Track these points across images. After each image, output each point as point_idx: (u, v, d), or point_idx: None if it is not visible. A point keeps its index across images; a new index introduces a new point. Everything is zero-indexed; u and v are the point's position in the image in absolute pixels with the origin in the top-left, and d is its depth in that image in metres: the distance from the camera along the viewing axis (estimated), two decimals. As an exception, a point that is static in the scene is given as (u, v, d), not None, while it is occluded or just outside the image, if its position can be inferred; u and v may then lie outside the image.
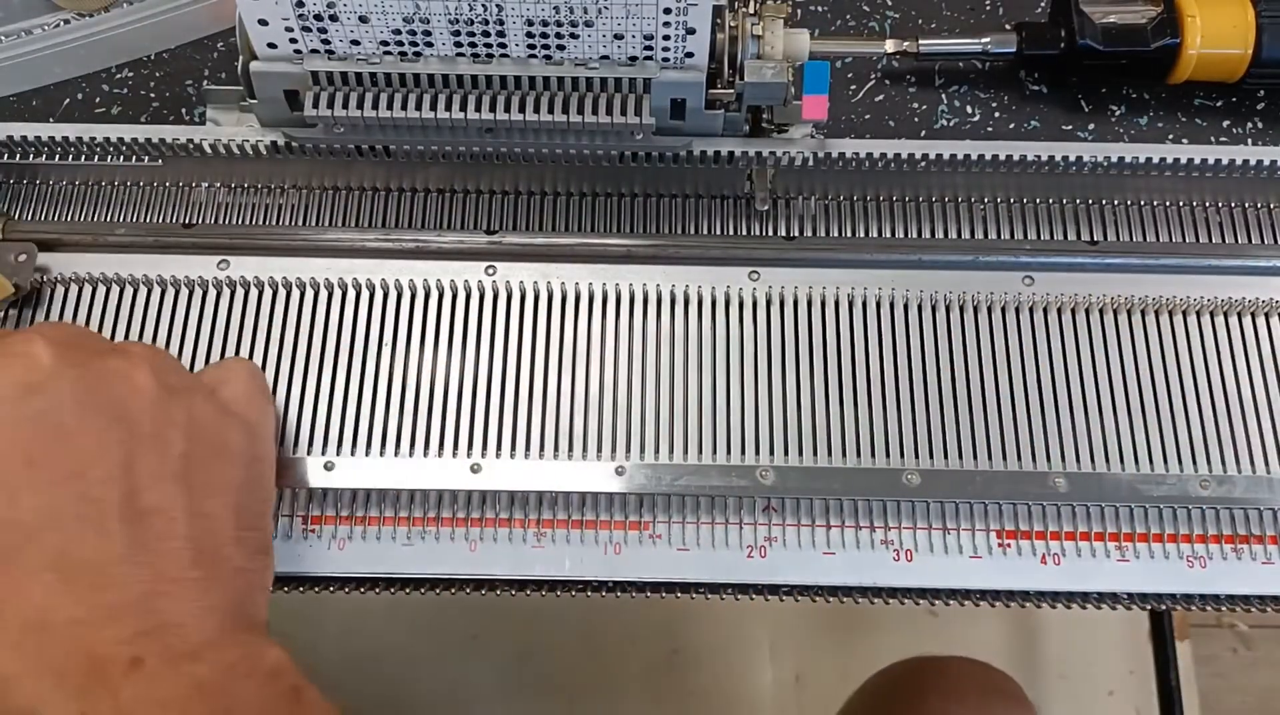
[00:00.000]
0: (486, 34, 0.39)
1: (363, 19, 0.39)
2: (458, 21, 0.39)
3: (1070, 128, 0.50)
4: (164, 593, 0.31)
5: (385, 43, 0.40)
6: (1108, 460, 0.41)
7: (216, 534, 0.33)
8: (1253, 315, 0.44)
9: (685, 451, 0.41)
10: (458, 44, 0.40)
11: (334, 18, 0.39)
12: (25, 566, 0.30)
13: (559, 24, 0.39)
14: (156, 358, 0.35)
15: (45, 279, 0.43)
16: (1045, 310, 0.44)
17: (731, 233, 0.45)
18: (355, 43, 0.40)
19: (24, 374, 0.32)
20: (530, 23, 0.39)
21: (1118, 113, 0.50)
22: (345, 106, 0.41)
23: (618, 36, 0.39)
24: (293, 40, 0.40)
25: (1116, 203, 0.46)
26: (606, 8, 0.38)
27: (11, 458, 0.30)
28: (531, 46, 0.40)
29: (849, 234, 0.45)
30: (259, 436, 0.37)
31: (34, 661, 0.29)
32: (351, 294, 0.43)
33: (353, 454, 0.41)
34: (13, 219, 0.44)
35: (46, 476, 0.30)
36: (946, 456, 0.41)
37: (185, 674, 0.30)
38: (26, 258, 0.43)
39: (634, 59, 0.40)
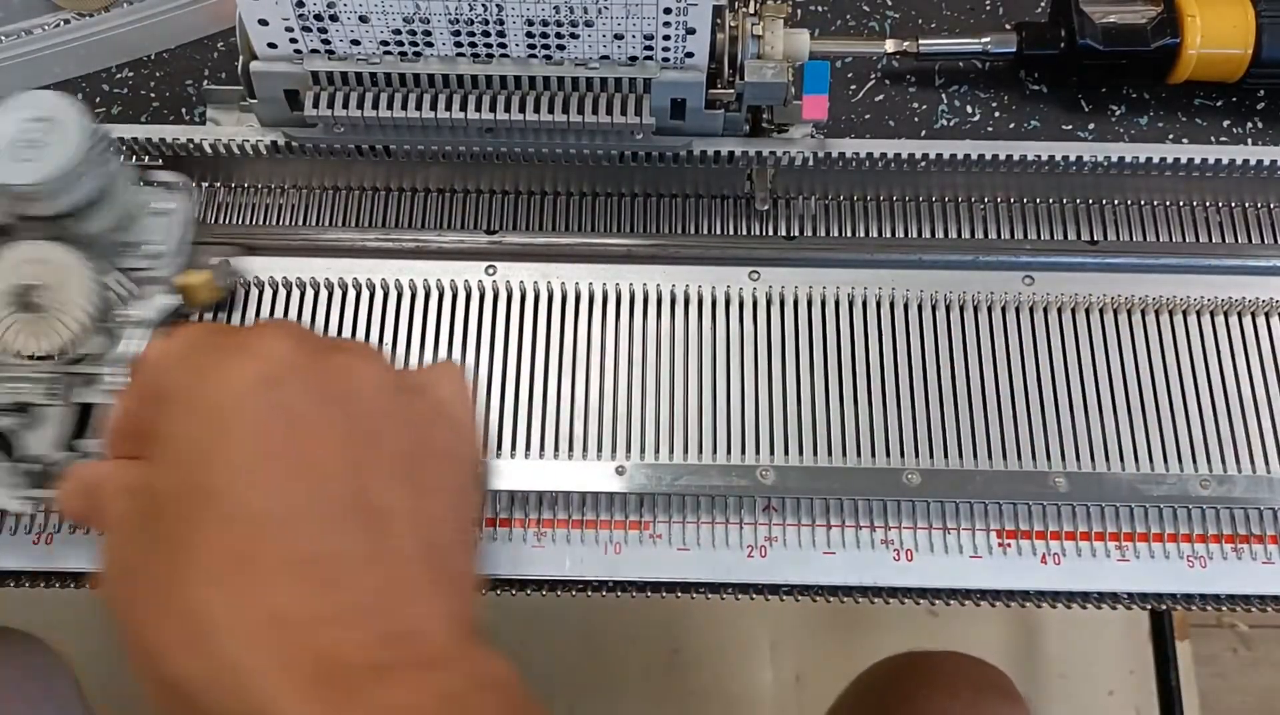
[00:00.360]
0: (486, 34, 0.39)
1: (363, 19, 0.39)
2: (458, 21, 0.39)
3: (1070, 128, 0.50)
4: (402, 596, 0.30)
5: (385, 42, 0.40)
6: (1108, 460, 0.41)
7: (442, 536, 0.32)
8: (1253, 315, 0.44)
9: (685, 451, 0.41)
10: (458, 44, 0.40)
11: (334, 18, 0.39)
12: (265, 560, 0.28)
13: (559, 24, 0.39)
14: (381, 356, 0.35)
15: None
16: (1045, 310, 0.44)
17: (731, 233, 0.45)
18: (355, 42, 0.40)
19: (264, 367, 0.30)
20: (530, 22, 0.39)
21: (1118, 113, 0.50)
22: (345, 106, 0.41)
23: (618, 36, 0.39)
24: (293, 40, 0.40)
25: (1116, 203, 0.46)
26: (606, 8, 0.38)
27: (252, 451, 0.29)
28: (531, 46, 0.40)
29: (849, 234, 0.45)
30: (471, 439, 0.36)
31: (272, 658, 0.27)
32: (351, 294, 0.43)
33: (353, 454, 0.41)
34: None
35: (284, 470, 0.29)
36: (946, 456, 0.41)
37: (431, 684, 0.28)
38: (228, 262, 0.43)
39: (634, 59, 0.40)
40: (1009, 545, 0.40)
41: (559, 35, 0.39)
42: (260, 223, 0.45)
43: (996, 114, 0.50)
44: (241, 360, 0.31)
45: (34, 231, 0.39)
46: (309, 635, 0.28)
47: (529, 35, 0.39)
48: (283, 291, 0.43)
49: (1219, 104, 0.50)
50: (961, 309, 0.44)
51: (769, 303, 0.44)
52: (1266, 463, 0.41)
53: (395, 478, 0.31)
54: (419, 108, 0.41)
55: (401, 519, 0.31)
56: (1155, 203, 0.46)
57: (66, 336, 0.38)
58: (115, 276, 0.40)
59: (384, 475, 0.31)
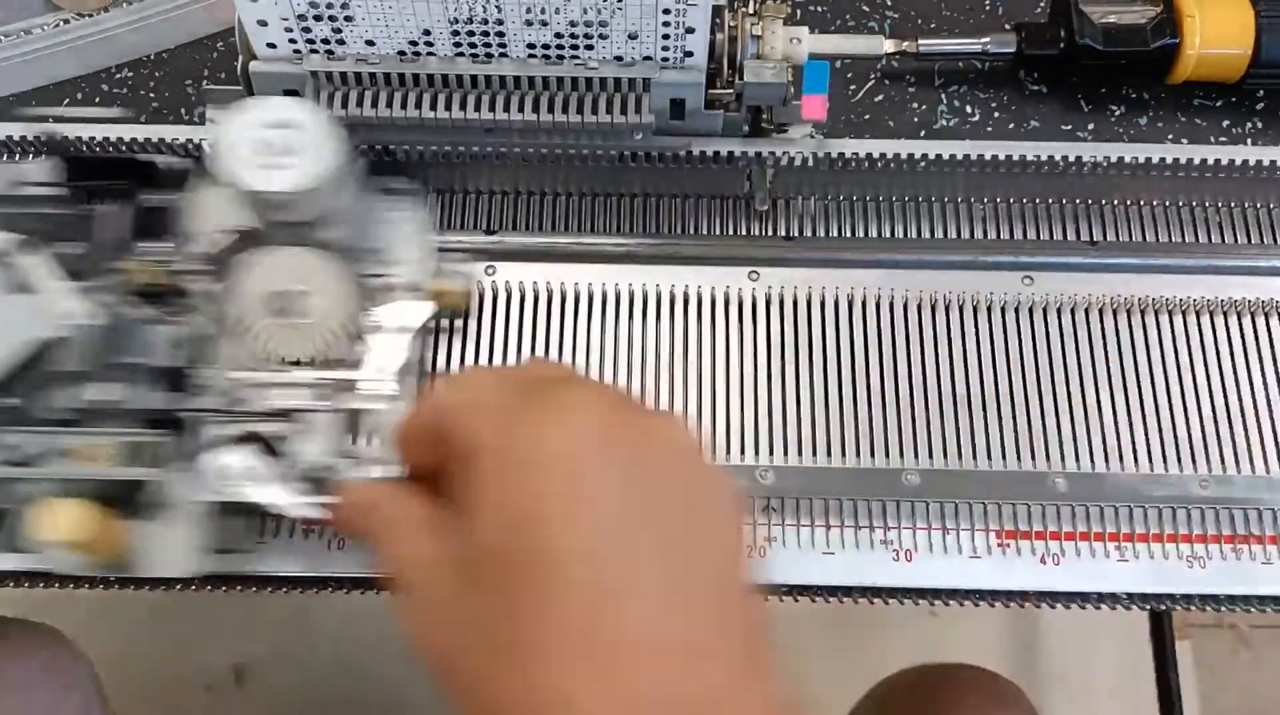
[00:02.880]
0: (486, 34, 0.39)
1: (349, 18, 0.39)
2: (457, 22, 0.39)
3: (1070, 128, 0.50)
4: (749, 684, 0.28)
5: (373, 41, 0.40)
6: (1108, 460, 0.41)
7: (757, 616, 0.29)
8: (1253, 315, 0.44)
9: (685, 451, 0.41)
10: (457, 44, 0.40)
11: (333, 18, 0.39)
12: (624, 638, 0.26)
13: (559, 35, 0.39)
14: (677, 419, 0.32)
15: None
16: (1045, 310, 0.44)
17: (731, 233, 0.45)
18: (370, 43, 0.40)
19: (592, 425, 0.28)
20: (530, 23, 0.39)
21: (1118, 113, 0.50)
22: (345, 106, 0.41)
23: (632, 36, 0.39)
24: (292, 40, 0.40)
25: (1116, 203, 0.46)
26: (617, 10, 0.38)
27: (595, 517, 0.27)
28: (531, 46, 0.40)
29: (849, 234, 0.45)
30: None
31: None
32: (351, 294, 0.43)
33: (352, 454, 0.41)
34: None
35: (630, 540, 0.27)
36: (946, 457, 0.41)
37: None
38: (467, 269, 0.43)
39: (633, 59, 0.40)
40: (1009, 545, 0.40)
41: (559, 36, 0.39)
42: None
43: (996, 114, 0.50)
44: (564, 416, 0.28)
45: (279, 238, 0.39)
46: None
47: (529, 37, 0.39)
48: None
49: (1219, 104, 0.50)
50: (961, 309, 0.44)
51: (768, 303, 0.43)
52: (1266, 463, 0.41)
53: (723, 552, 0.29)
54: (419, 108, 0.41)
55: (736, 598, 0.29)
56: (1155, 203, 0.46)
57: (324, 343, 0.39)
58: (360, 282, 0.40)
59: (713, 549, 0.29)
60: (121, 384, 0.38)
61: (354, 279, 0.40)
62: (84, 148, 0.44)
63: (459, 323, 0.43)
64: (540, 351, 0.43)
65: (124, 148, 0.43)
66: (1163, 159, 0.44)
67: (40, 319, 0.40)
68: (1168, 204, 0.46)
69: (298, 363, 0.39)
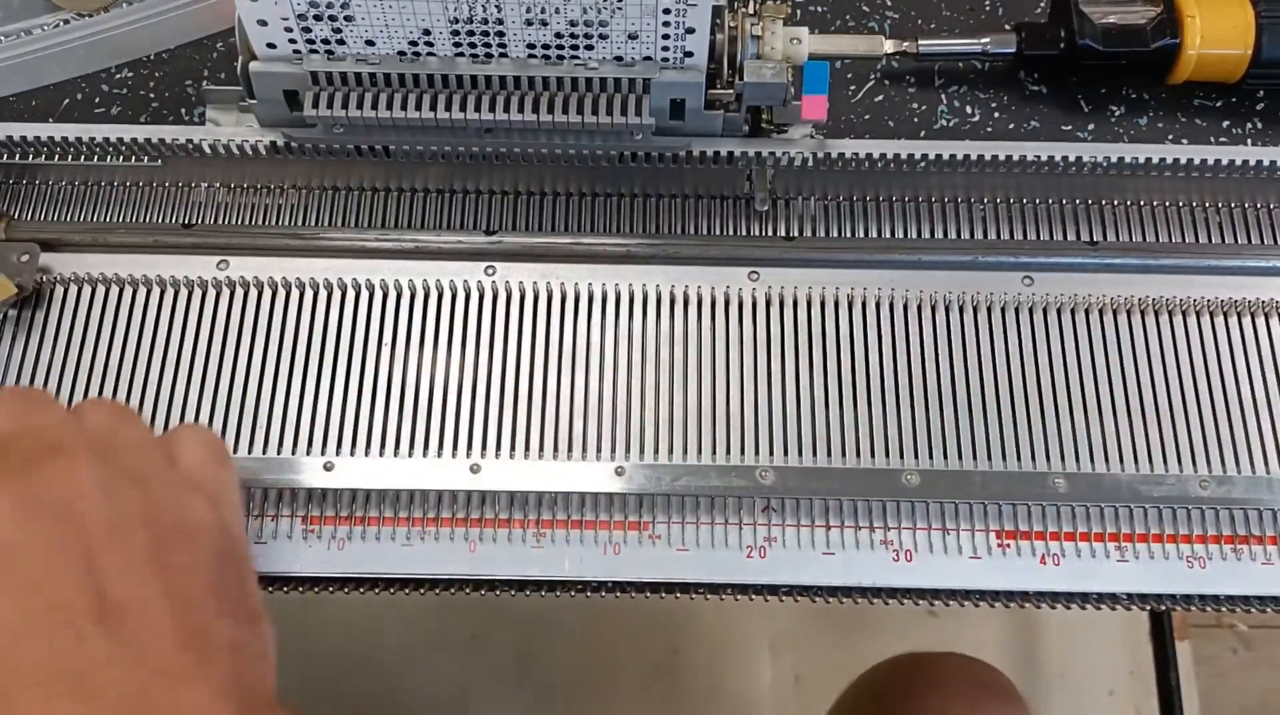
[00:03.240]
0: (486, 34, 0.39)
1: (349, 18, 0.39)
2: (457, 21, 0.39)
3: (1070, 128, 0.50)
4: (157, 688, 0.29)
5: (373, 41, 0.40)
6: (1108, 460, 0.41)
7: (199, 612, 0.31)
8: (1253, 315, 0.44)
9: (685, 452, 0.41)
10: (457, 44, 0.40)
11: (333, 18, 0.39)
12: (4, 689, 0.28)
13: (559, 35, 0.39)
14: (109, 437, 0.33)
15: (46, 279, 0.43)
16: (1045, 310, 0.44)
17: (731, 233, 0.45)
18: (370, 43, 0.40)
19: None
20: (530, 24, 0.39)
21: (1118, 113, 0.50)
22: (345, 106, 0.41)
23: (632, 37, 0.39)
24: (292, 40, 0.40)
25: (1116, 203, 0.46)
26: (617, 10, 0.38)
27: None
28: (531, 46, 0.40)
29: (849, 234, 0.45)
30: (223, 504, 0.35)
31: None
32: (351, 294, 0.43)
33: (352, 454, 0.41)
34: (14, 219, 0.44)
35: (4, 595, 0.29)
36: (946, 457, 0.41)
37: None
38: (29, 258, 0.43)
39: (633, 59, 0.40)
40: (1009, 546, 0.40)
41: (559, 37, 0.39)
42: (260, 223, 0.45)
43: (996, 114, 0.50)
44: None
45: None
46: None
47: (544, 47, 0.39)
48: (270, 292, 0.43)
49: (1219, 104, 0.50)
50: (961, 309, 0.44)
51: (768, 303, 0.43)
52: (1266, 463, 0.41)
53: (133, 569, 0.30)
54: (418, 108, 0.41)
55: (148, 606, 0.30)
56: (1155, 203, 0.46)
57: None
58: None
59: (120, 570, 0.30)
60: None
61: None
62: (84, 148, 0.44)
63: (458, 324, 0.43)
64: (540, 352, 0.42)
65: (124, 147, 0.43)
66: (1163, 159, 0.44)
67: None
68: (1168, 204, 0.46)
69: None
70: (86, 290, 0.43)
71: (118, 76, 0.50)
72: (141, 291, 0.43)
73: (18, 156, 0.44)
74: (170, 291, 0.43)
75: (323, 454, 0.40)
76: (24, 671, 0.28)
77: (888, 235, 0.45)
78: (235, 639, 0.32)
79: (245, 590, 0.34)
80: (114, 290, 0.43)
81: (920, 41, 0.48)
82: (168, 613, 0.30)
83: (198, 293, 0.43)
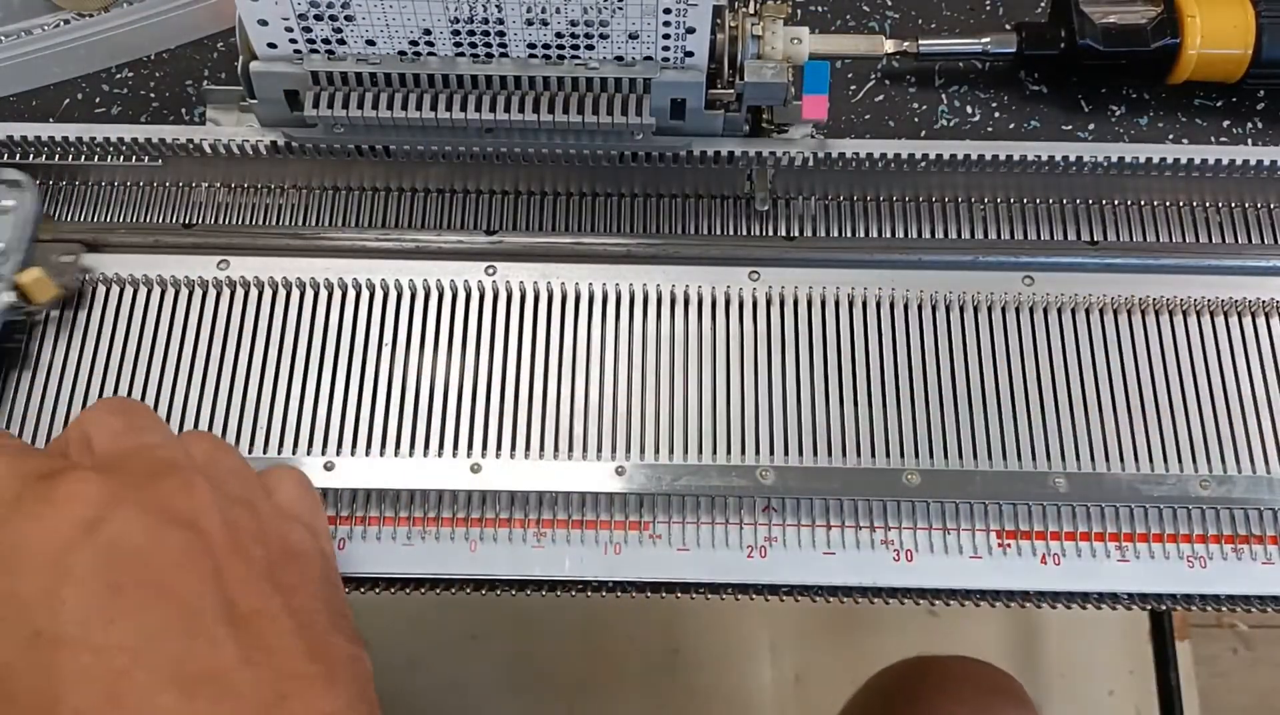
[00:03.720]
0: (486, 34, 0.39)
1: (349, 18, 0.39)
2: (458, 21, 0.39)
3: (1070, 128, 0.50)
4: (293, 693, 0.29)
5: (373, 41, 0.40)
6: (1108, 460, 0.41)
7: (318, 628, 0.32)
8: (1253, 315, 0.44)
9: (685, 451, 0.41)
10: (457, 44, 0.40)
11: (334, 18, 0.39)
12: (139, 688, 0.28)
13: (559, 35, 0.39)
14: (213, 465, 0.34)
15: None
16: (1045, 310, 0.44)
17: (731, 233, 0.45)
18: (371, 43, 0.40)
19: (81, 511, 0.30)
20: (530, 23, 0.39)
21: (1118, 113, 0.50)
22: (345, 106, 0.41)
23: (632, 36, 0.39)
24: (292, 40, 0.40)
25: (1116, 203, 0.46)
26: (617, 10, 0.38)
27: (95, 590, 0.29)
28: (531, 46, 0.40)
29: (849, 234, 0.45)
30: (320, 534, 0.36)
31: None
32: (351, 294, 0.43)
33: (353, 454, 0.41)
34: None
35: (137, 598, 0.29)
36: (946, 456, 0.41)
37: None
38: (73, 258, 0.43)
39: (633, 59, 0.40)
40: (1009, 545, 0.40)
41: (559, 36, 0.39)
42: (260, 223, 0.45)
43: (996, 114, 0.50)
44: (52, 510, 0.30)
45: None
46: None
47: (544, 47, 0.39)
48: (278, 292, 0.43)
49: (1219, 104, 0.50)
50: (961, 309, 0.44)
51: (769, 303, 0.43)
52: (1266, 463, 0.41)
53: (256, 581, 0.31)
54: (419, 108, 0.41)
55: (274, 617, 0.31)
56: (1155, 203, 0.46)
57: None
58: None
59: (244, 580, 0.31)
60: None
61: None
62: (84, 148, 0.44)
63: (459, 324, 0.43)
64: (540, 352, 0.42)
65: (124, 147, 0.43)
66: (1163, 159, 0.44)
67: None
68: (1168, 204, 0.46)
69: None
70: (88, 290, 0.43)
71: (118, 76, 0.50)
72: (142, 291, 0.43)
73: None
74: (171, 291, 0.43)
75: (323, 453, 0.40)
76: (161, 671, 0.28)
77: (888, 235, 0.45)
78: (352, 654, 0.32)
79: (347, 615, 0.34)
80: (114, 289, 0.43)
81: (920, 41, 0.48)
82: (292, 625, 0.31)
83: (198, 292, 0.43)
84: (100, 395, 0.42)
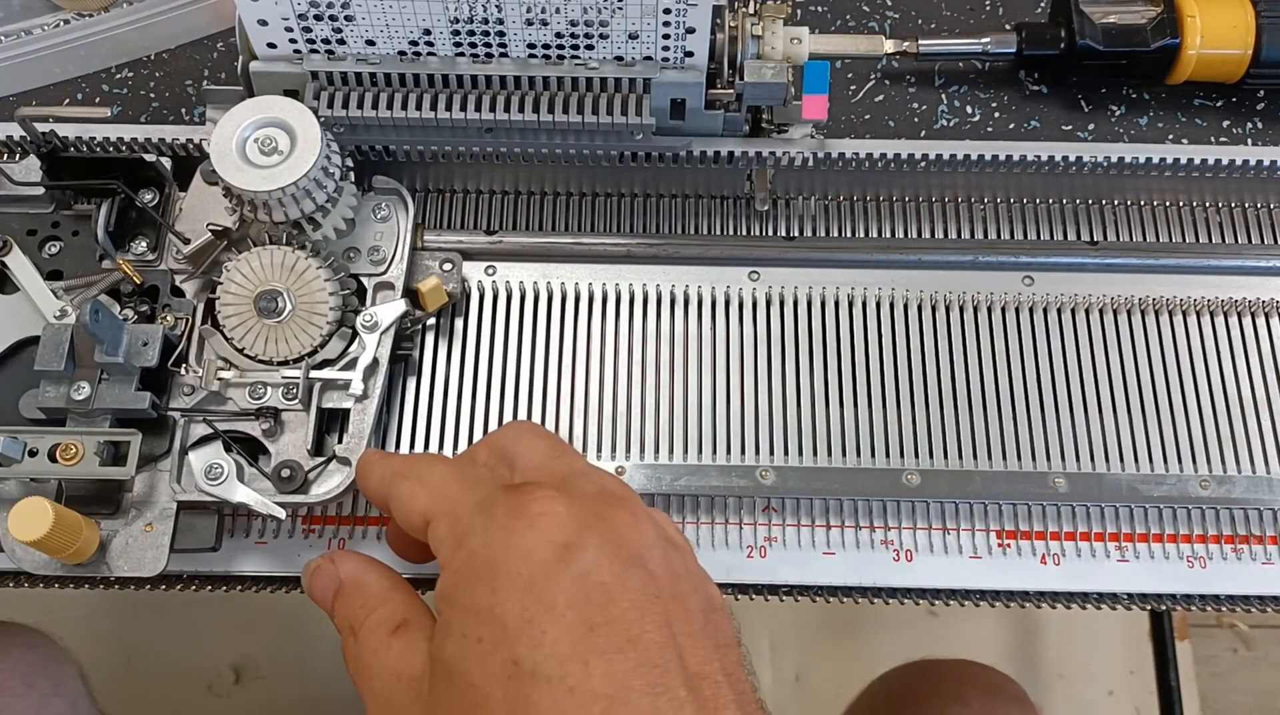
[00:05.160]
0: (486, 34, 0.39)
1: (349, 18, 0.39)
2: (458, 21, 0.39)
3: (1070, 128, 0.50)
4: None
5: (373, 41, 0.40)
6: (1108, 460, 0.41)
7: (747, 694, 0.30)
8: (1253, 315, 0.44)
9: (685, 451, 0.41)
10: (457, 44, 0.40)
11: (333, 18, 0.39)
12: None
13: (559, 35, 0.39)
14: (644, 506, 0.32)
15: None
16: (1045, 310, 0.44)
17: (731, 233, 0.45)
18: (370, 43, 0.40)
19: (557, 535, 0.29)
20: (530, 23, 0.39)
21: (1118, 113, 0.50)
22: (345, 106, 0.41)
23: (632, 36, 0.39)
24: (292, 40, 0.40)
25: (1116, 203, 0.46)
26: (617, 10, 0.38)
27: (574, 626, 0.27)
28: (531, 46, 0.40)
29: (849, 234, 0.45)
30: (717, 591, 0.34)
31: None
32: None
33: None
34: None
35: (607, 643, 0.28)
36: (946, 456, 0.41)
37: None
38: (453, 267, 0.43)
39: (633, 59, 0.40)
40: (1009, 545, 0.40)
41: (559, 37, 0.39)
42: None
43: (996, 114, 0.50)
44: (528, 528, 0.29)
45: (263, 237, 0.39)
46: None
47: (544, 47, 0.39)
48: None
49: (1219, 104, 0.50)
50: (961, 309, 0.44)
51: (769, 303, 0.43)
52: (1266, 463, 0.41)
53: (699, 637, 0.30)
54: (419, 108, 0.41)
55: (718, 683, 0.29)
56: (1155, 203, 0.46)
57: (310, 342, 0.39)
58: (347, 282, 0.40)
59: (691, 636, 0.29)
60: (98, 383, 0.38)
61: (336, 278, 0.39)
62: (85, 147, 0.44)
63: (459, 324, 0.43)
64: (540, 352, 0.42)
65: (124, 147, 0.43)
66: (1163, 159, 0.44)
67: (19, 319, 0.40)
68: (1168, 204, 0.46)
69: (274, 362, 0.39)
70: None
71: (118, 76, 0.50)
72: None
73: (17, 156, 0.44)
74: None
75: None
76: None
77: (888, 235, 0.45)
78: None
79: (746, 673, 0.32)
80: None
81: (920, 41, 0.48)
82: (733, 696, 0.29)
83: (198, 292, 0.43)
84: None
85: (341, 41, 0.40)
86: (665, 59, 0.40)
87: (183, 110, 0.49)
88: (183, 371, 0.39)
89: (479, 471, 0.32)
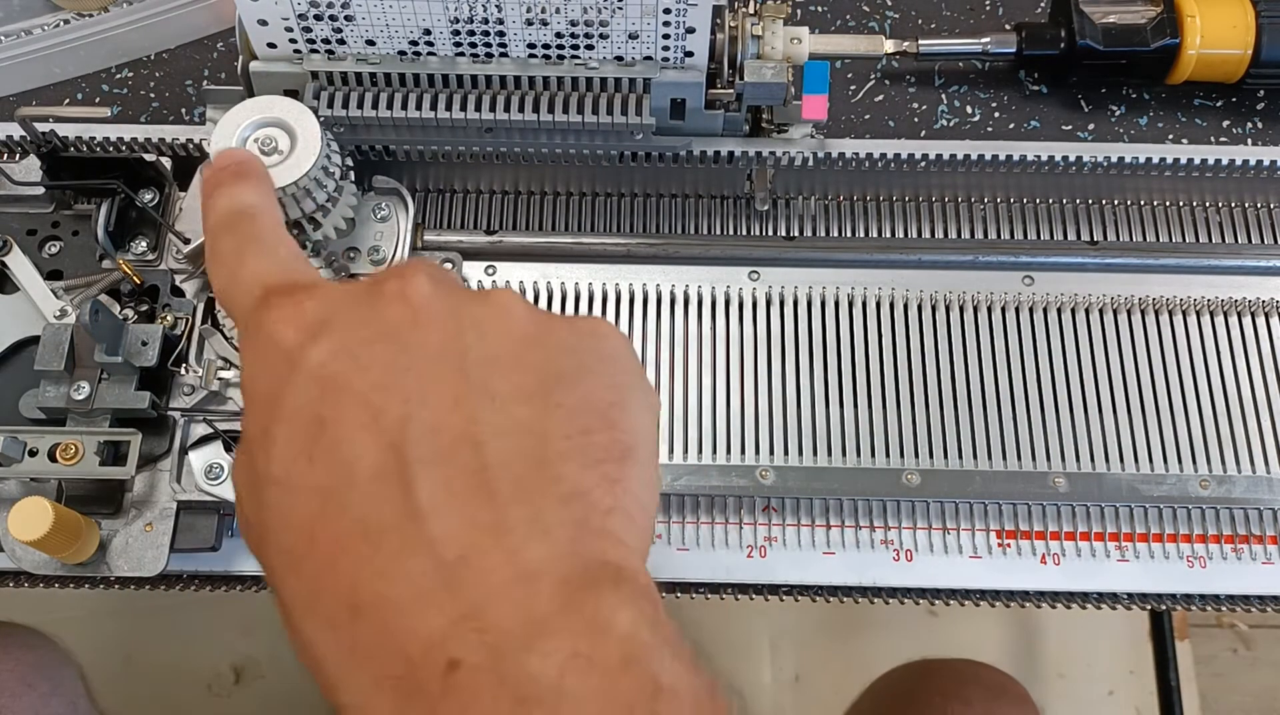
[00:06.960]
0: (486, 34, 0.39)
1: (349, 18, 0.39)
2: (458, 21, 0.39)
3: (1070, 128, 0.50)
4: (467, 560, 0.24)
5: (373, 41, 0.40)
6: (1108, 460, 0.41)
7: (528, 455, 0.26)
8: (1253, 315, 0.44)
9: (685, 451, 0.41)
10: (457, 44, 0.40)
11: (333, 18, 0.39)
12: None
13: (559, 35, 0.39)
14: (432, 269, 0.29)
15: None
16: (1045, 310, 0.44)
17: (731, 233, 0.45)
18: (370, 43, 0.40)
19: (292, 335, 0.27)
20: (530, 23, 0.39)
21: (1118, 113, 0.50)
22: (345, 106, 0.41)
23: (632, 36, 0.39)
24: (292, 40, 0.40)
25: (1116, 203, 0.46)
26: (617, 10, 0.38)
27: (304, 424, 0.26)
28: (531, 46, 0.40)
29: (849, 234, 0.45)
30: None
31: (347, 654, 0.24)
32: (351, 294, 0.43)
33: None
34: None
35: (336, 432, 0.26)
36: (946, 456, 0.41)
37: (507, 682, 0.22)
38: (453, 267, 0.43)
39: (633, 59, 0.40)
40: (1009, 545, 0.40)
41: (559, 37, 0.39)
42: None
43: (996, 114, 0.50)
44: (273, 333, 0.27)
45: None
46: (380, 621, 0.24)
47: (544, 47, 0.39)
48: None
49: (1219, 104, 0.50)
50: (961, 309, 0.44)
51: (769, 303, 0.43)
52: (1266, 463, 0.41)
53: (465, 407, 0.26)
54: (419, 108, 0.41)
55: (464, 462, 0.25)
56: (1155, 203, 0.46)
57: None
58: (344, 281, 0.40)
59: (449, 404, 0.26)
60: (98, 383, 0.38)
61: (337, 278, 0.39)
62: (84, 147, 0.43)
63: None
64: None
65: (124, 147, 0.43)
66: (1163, 159, 0.44)
67: (19, 319, 0.40)
68: (1168, 204, 0.46)
69: None
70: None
71: (118, 76, 0.50)
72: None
73: (17, 156, 0.44)
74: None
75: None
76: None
77: (888, 235, 0.45)
78: (579, 486, 0.27)
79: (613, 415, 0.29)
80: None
81: (920, 41, 0.48)
82: (474, 463, 0.26)
83: (198, 292, 0.43)
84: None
85: (341, 41, 0.40)
86: (665, 59, 0.40)
87: (183, 110, 0.49)
88: (183, 371, 0.39)
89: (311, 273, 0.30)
